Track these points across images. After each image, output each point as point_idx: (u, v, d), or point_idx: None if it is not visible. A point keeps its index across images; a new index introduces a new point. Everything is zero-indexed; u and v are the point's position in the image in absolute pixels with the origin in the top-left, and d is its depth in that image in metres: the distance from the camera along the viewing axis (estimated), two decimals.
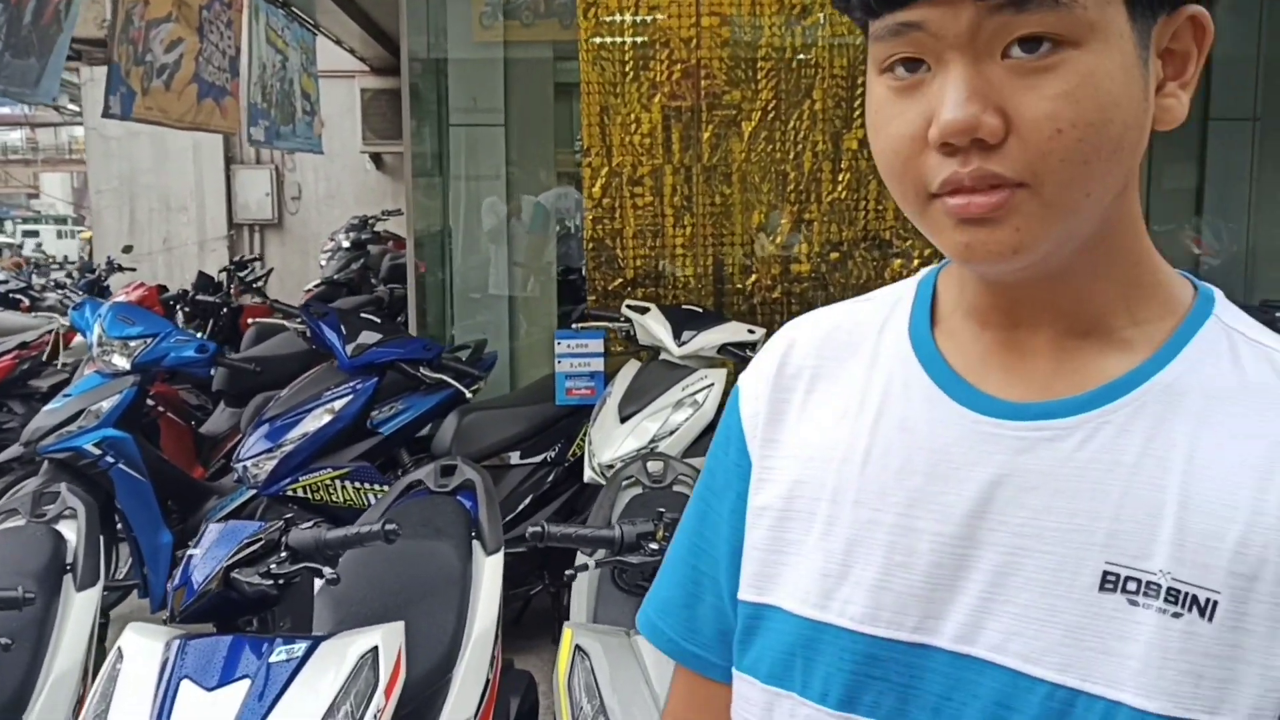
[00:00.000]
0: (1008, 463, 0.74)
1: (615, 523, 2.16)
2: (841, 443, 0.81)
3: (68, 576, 2.75)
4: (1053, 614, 0.72)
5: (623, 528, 2.08)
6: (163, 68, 5.97)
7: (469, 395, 4.13)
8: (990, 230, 0.69)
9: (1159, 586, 0.70)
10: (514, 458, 4.17)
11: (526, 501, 4.18)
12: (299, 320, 4.42)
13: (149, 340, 4.04)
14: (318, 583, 2.74)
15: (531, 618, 4.25)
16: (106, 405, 3.88)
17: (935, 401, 0.78)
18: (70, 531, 2.92)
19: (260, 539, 2.08)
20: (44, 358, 5.72)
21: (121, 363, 3.99)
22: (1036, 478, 0.73)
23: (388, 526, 2.07)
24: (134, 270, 9.41)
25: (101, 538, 3.08)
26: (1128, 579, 0.71)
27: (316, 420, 3.79)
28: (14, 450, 4.24)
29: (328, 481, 3.76)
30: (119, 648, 2.07)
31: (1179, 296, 0.77)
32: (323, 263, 10.21)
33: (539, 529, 2.09)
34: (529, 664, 3.38)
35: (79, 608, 2.68)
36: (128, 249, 10.23)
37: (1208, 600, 0.69)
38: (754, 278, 5.03)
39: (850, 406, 0.82)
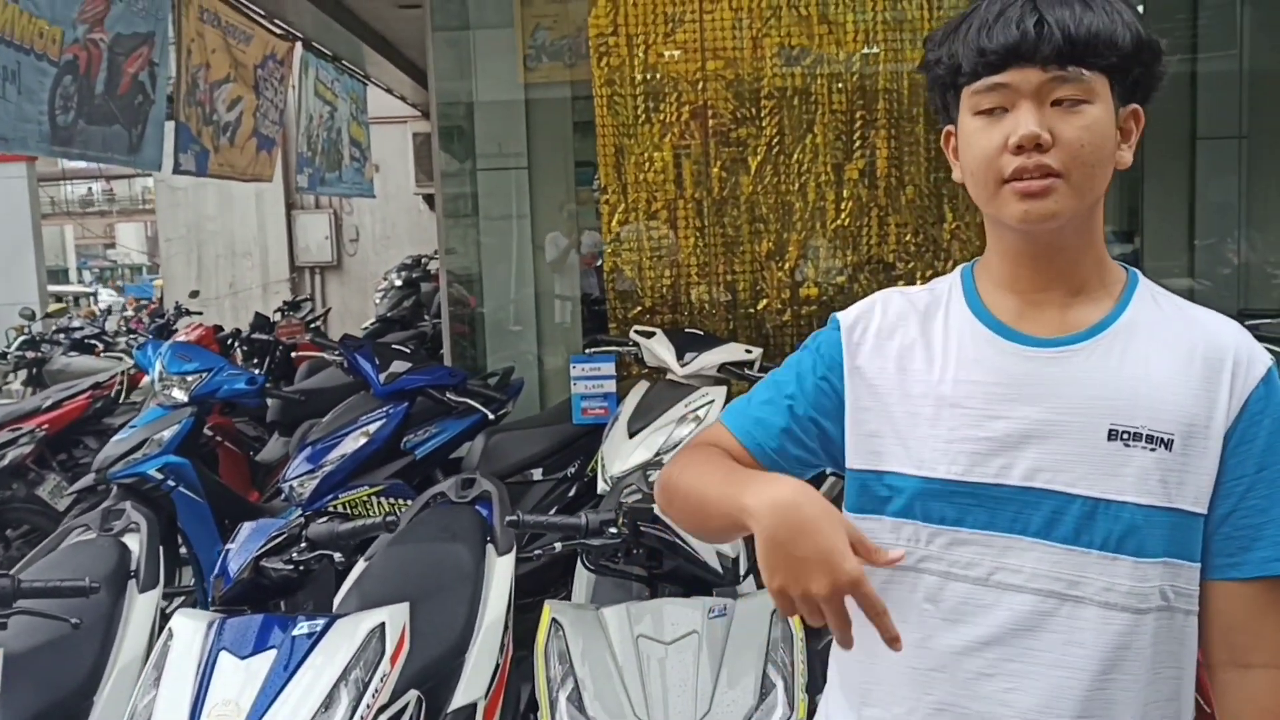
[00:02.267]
0: (1041, 372, 1.28)
1: (582, 512, 2.50)
2: (935, 368, 1.33)
3: (132, 581, 3.12)
4: (1081, 457, 1.25)
5: (588, 516, 2.43)
6: (227, 125, 6.48)
7: (492, 418, 4.49)
8: (1040, 202, 1.23)
9: (1141, 434, 1.24)
10: (537, 474, 4.51)
11: (553, 513, 4.52)
12: (337, 352, 4.82)
13: (204, 375, 4.46)
14: (349, 579, 3.11)
15: None
16: (167, 434, 4.30)
17: (991, 341, 1.32)
18: (134, 542, 3.29)
19: (284, 533, 2.45)
20: (115, 397, 6.18)
21: (180, 395, 4.41)
22: (1061, 379, 1.27)
23: (388, 519, 2.42)
24: (200, 314, 9.93)
25: (162, 549, 3.46)
26: (1123, 432, 1.24)
27: (354, 442, 4.18)
28: (88, 479, 4.67)
29: (365, 498, 4.13)
30: (170, 629, 2.43)
31: (1119, 270, 1.34)
32: (377, 300, 10.69)
33: (515, 517, 2.43)
34: None
35: (141, 607, 3.05)
36: (194, 294, 10.79)
37: (1169, 438, 1.24)
38: (764, 302, 5.33)
39: (937, 348, 1.34)
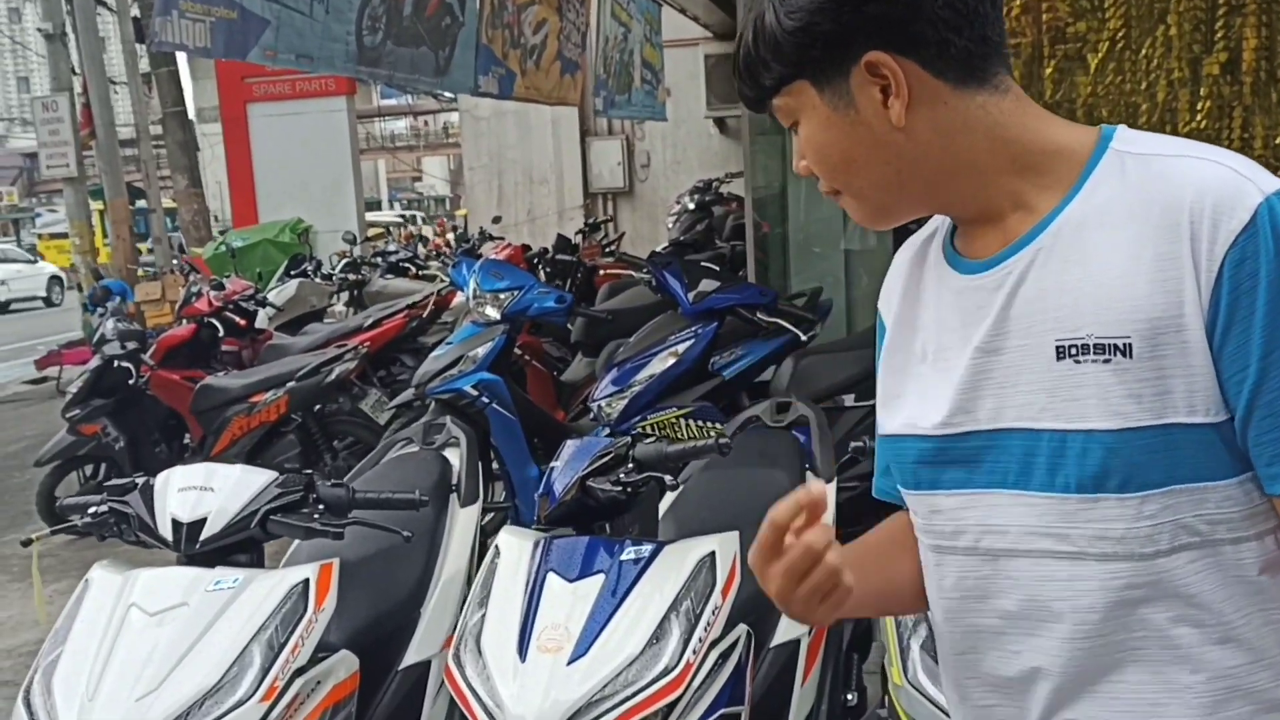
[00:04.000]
0: (986, 299, 1.07)
1: None
2: (918, 313, 1.17)
3: (453, 495, 3.14)
4: (1038, 386, 1.03)
5: None
6: (533, 48, 6.51)
7: (804, 339, 4.27)
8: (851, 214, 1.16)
9: (1089, 345, 1.00)
10: (848, 400, 4.27)
11: (861, 443, 4.27)
12: (645, 270, 4.72)
13: (515, 292, 4.47)
14: (664, 504, 2.99)
15: None
16: (481, 351, 4.34)
17: (947, 275, 1.13)
18: (454, 457, 3.31)
19: (611, 452, 2.33)
20: (425, 316, 6.39)
21: (493, 313, 4.45)
22: (1002, 301, 1.06)
23: (721, 441, 2.26)
24: (502, 239, 10.24)
25: (480, 464, 3.48)
26: (1070, 345, 1.01)
27: (662, 363, 4.07)
28: (407, 394, 4.83)
29: (673, 420, 4.02)
30: (496, 546, 2.39)
31: (1077, 152, 1.06)
32: (669, 225, 10.66)
33: (860, 444, 2.20)
34: None
35: (463, 521, 3.06)
36: (497, 219, 11.15)
37: (1124, 343, 0.98)
38: None
39: (918, 291, 1.18)
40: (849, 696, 2.93)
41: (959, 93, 1.05)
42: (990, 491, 1.07)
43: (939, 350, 1.12)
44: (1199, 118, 4.74)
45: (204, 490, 2.29)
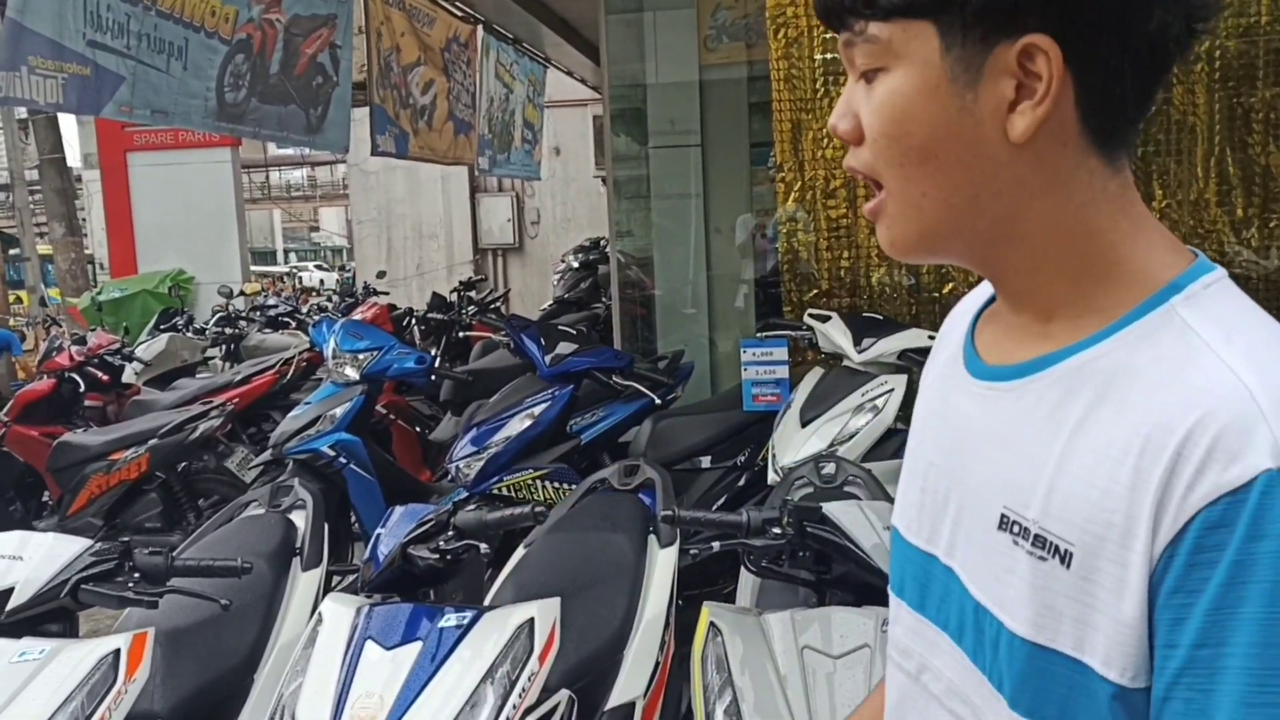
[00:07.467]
0: (969, 411, 0.90)
1: (744, 509, 2.32)
2: (927, 393, 1.01)
3: (296, 558, 3.13)
4: (978, 544, 0.86)
5: (749, 514, 2.25)
6: (424, 108, 6.58)
7: (659, 403, 4.36)
8: (879, 228, 0.87)
9: (1030, 532, 0.81)
10: (705, 462, 4.36)
11: (719, 504, 4.36)
12: (503, 333, 4.77)
13: (375, 353, 4.49)
14: (508, 566, 3.03)
15: None
16: (339, 412, 4.34)
17: (953, 360, 0.95)
18: (300, 519, 3.30)
19: (432, 519, 2.36)
20: (297, 373, 6.34)
21: (352, 373, 4.45)
22: (984, 427, 0.88)
23: (537, 510, 2.31)
24: (387, 294, 10.17)
25: (338, 526, 3.46)
26: (1014, 521, 0.82)
27: (519, 424, 4.12)
28: (267, 455, 4.78)
29: (529, 481, 4.06)
30: (320, 613, 2.39)
31: (1143, 285, 0.81)
32: (554, 282, 10.76)
33: (670, 513, 2.28)
34: None
35: (304, 585, 3.04)
36: (381, 274, 11.09)
37: (1066, 550, 0.78)
38: (950, 286, 5.01)
39: (937, 369, 1.00)
40: None
41: (1082, 144, 0.80)
42: (935, 628, 0.93)
43: (917, 438, 0.98)
44: None
45: (13, 559, 2.26)
